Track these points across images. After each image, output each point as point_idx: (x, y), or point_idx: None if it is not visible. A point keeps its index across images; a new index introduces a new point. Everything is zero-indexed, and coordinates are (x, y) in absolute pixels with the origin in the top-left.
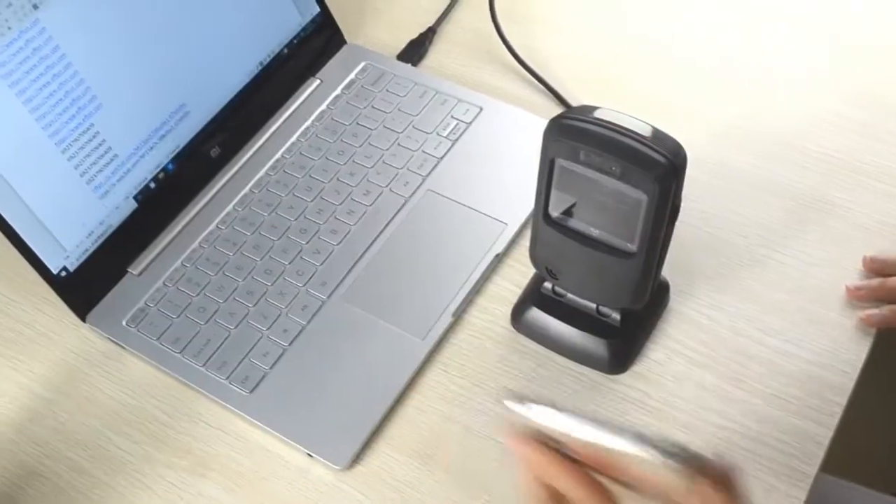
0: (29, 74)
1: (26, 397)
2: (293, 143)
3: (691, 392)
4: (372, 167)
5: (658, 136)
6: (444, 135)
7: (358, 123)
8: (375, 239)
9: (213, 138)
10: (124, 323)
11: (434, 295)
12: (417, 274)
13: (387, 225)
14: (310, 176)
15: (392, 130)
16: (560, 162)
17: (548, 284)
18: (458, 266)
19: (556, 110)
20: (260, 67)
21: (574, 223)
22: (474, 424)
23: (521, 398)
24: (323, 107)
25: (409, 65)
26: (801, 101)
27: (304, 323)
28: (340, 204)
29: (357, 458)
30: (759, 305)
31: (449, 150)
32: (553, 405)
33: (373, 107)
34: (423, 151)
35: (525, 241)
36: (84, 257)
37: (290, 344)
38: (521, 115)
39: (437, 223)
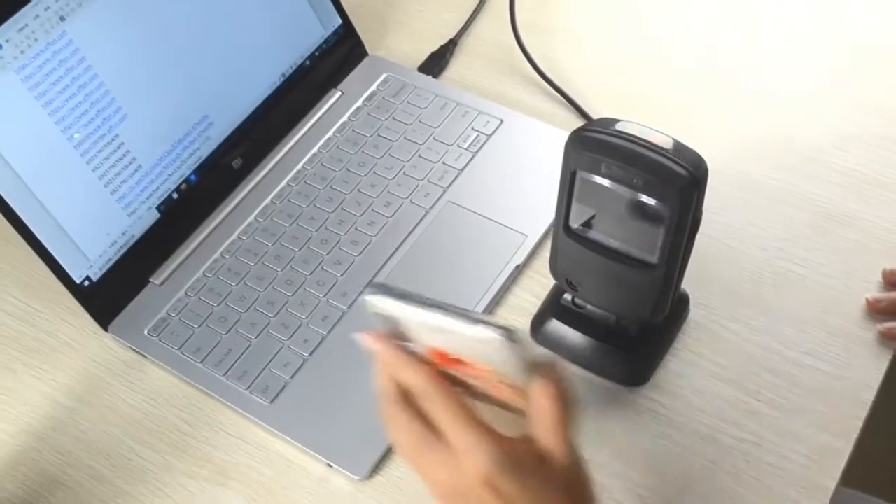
0: (55, 86)
1: (49, 406)
2: (314, 155)
3: (711, 404)
4: (393, 179)
5: (679, 148)
6: (465, 146)
7: (379, 135)
8: (396, 250)
9: (235, 149)
10: (146, 332)
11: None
12: (437, 285)
13: (407, 236)
14: (331, 187)
15: (413, 142)
16: (581, 174)
17: (567, 296)
18: (478, 277)
19: (577, 123)
20: (282, 79)
21: (594, 235)
22: None
23: (378, 289)
24: (344, 118)
25: (430, 77)
26: (822, 114)
27: (324, 333)
28: (361, 215)
29: (376, 468)
30: (779, 318)
31: (469, 161)
32: (402, 293)
33: (394, 118)
34: (444, 163)
35: (545, 253)
36: (107, 267)
37: (310, 354)
38: (542, 128)
39: (458, 234)
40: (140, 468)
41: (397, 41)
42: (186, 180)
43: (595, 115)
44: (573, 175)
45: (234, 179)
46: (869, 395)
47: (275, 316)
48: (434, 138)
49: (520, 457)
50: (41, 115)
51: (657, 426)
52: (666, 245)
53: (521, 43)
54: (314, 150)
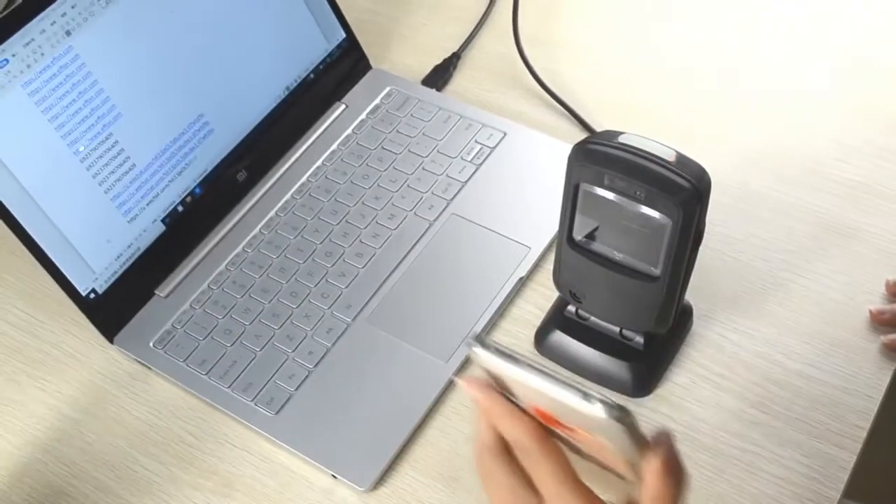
0: (61, 100)
1: (54, 418)
2: (319, 168)
3: (714, 415)
4: (397, 191)
5: (682, 160)
6: (469, 159)
7: (383, 148)
8: (400, 262)
9: (239, 162)
10: (151, 344)
11: (458, 318)
12: (441, 297)
13: (411, 248)
14: (335, 200)
15: (417, 155)
16: (584, 186)
17: (571, 308)
18: (482, 289)
19: (580, 135)
20: (287, 92)
21: (598, 247)
22: None
23: (484, 342)
24: (348, 131)
25: (434, 90)
26: (823, 126)
27: (329, 345)
28: (365, 227)
29: (381, 480)
30: (782, 329)
31: (473, 174)
32: (512, 354)
33: (398, 131)
34: (448, 176)
35: (548, 265)
36: (112, 279)
37: (315, 366)
38: (545, 140)
39: (461, 247)
40: (145, 480)
41: (401, 54)
42: (191, 193)
43: (598, 128)
44: (576, 187)
45: (238, 192)
46: (872, 407)
47: (279, 328)
48: (438, 151)
49: None
50: (47, 129)
51: None
52: (669, 257)
53: (524, 56)
54: (318, 162)
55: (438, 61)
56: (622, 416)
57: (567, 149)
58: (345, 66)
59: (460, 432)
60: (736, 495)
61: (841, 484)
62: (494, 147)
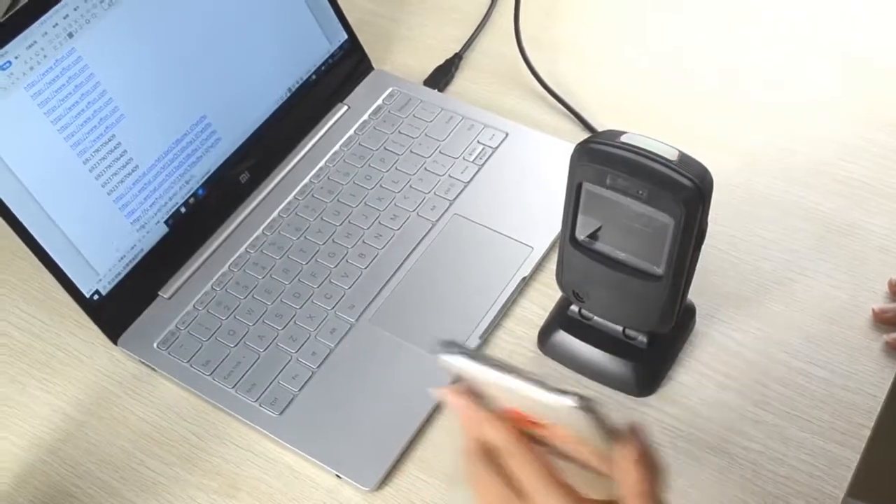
0: (64, 102)
1: (59, 419)
2: (321, 168)
3: (718, 414)
4: (399, 192)
5: (684, 160)
6: (471, 160)
7: (385, 148)
8: (403, 262)
9: (242, 163)
10: (155, 345)
11: (461, 318)
12: (444, 297)
13: (414, 249)
14: (338, 200)
15: (419, 155)
16: (587, 186)
17: (574, 307)
18: (485, 289)
19: (582, 135)
20: (289, 94)
21: (601, 247)
22: None
23: (451, 347)
24: (350, 132)
25: (436, 90)
26: (827, 127)
27: (332, 345)
28: (368, 228)
29: (385, 480)
30: (785, 329)
31: (475, 174)
32: (478, 356)
33: (400, 132)
34: (450, 176)
35: (551, 265)
36: (116, 281)
37: (318, 366)
38: (547, 140)
39: (464, 247)
40: (150, 480)
41: (403, 55)
42: (194, 194)
43: (600, 128)
44: (579, 187)
45: (241, 193)
46: (876, 405)
47: (283, 329)
48: (440, 151)
49: None
50: (50, 131)
51: (664, 436)
52: (672, 256)
53: (526, 56)
54: (321, 163)
55: (440, 62)
56: (588, 405)
57: (569, 149)
58: (347, 68)
59: None
60: (740, 494)
61: (845, 482)
62: (496, 147)
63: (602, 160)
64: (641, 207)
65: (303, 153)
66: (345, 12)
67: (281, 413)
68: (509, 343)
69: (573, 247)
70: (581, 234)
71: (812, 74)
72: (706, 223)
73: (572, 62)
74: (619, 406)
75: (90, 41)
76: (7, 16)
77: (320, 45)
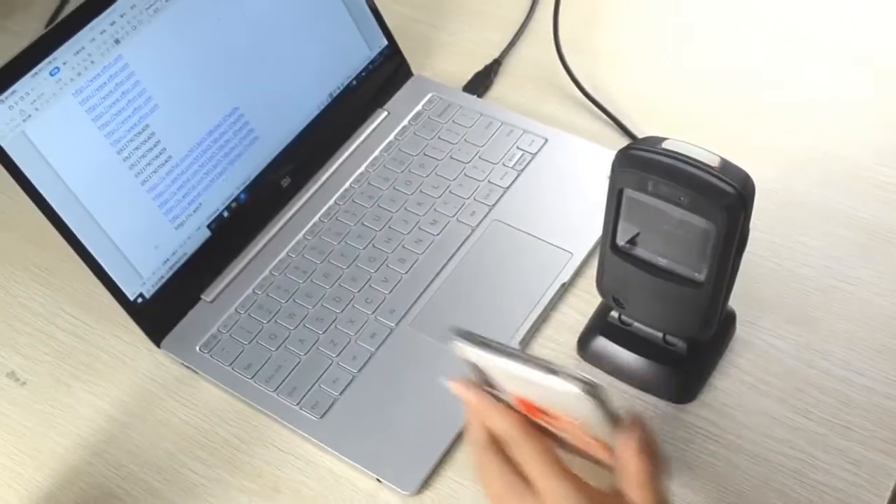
0: (111, 108)
1: (103, 420)
2: (362, 174)
3: (758, 422)
4: (439, 197)
5: (726, 166)
6: (510, 165)
7: (425, 154)
8: (443, 268)
9: (283, 168)
10: (197, 349)
11: (500, 323)
12: (484, 302)
13: (454, 254)
14: (378, 205)
15: (459, 161)
16: (628, 192)
17: (614, 313)
18: (525, 295)
19: (621, 142)
20: (330, 99)
21: (641, 252)
22: None
23: (463, 335)
24: (391, 137)
25: (475, 96)
26: (863, 131)
27: (372, 350)
28: (408, 233)
29: (425, 484)
30: (826, 336)
31: (515, 180)
32: (489, 343)
33: (439, 137)
34: (490, 181)
35: (591, 271)
36: (160, 284)
37: (359, 370)
38: (586, 146)
39: (504, 252)
40: (192, 482)
41: (442, 61)
42: (236, 199)
43: (640, 134)
44: (620, 193)
45: (283, 198)
46: None
47: (324, 332)
48: (479, 157)
49: None
50: (96, 136)
51: (705, 444)
52: (713, 263)
53: (565, 62)
54: (361, 169)
55: (479, 68)
56: (592, 390)
57: (608, 155)
58: (387, 73)
59: None
60: (782, 502)
61: (888, 491)
62: (536, 153)
63: (644, 166)
64: (683, 214)
65: (343, 158)
66: (385, 18)
67: (322, 416)
68: (549, 349)
69: (613, 253)
70: (621, 240)
71: (850, 79)
72: (748, 229)
73: (611, 68)
74: (659, 412)
75: (136, 48)
76: (55, 22)
77: (361, 51)
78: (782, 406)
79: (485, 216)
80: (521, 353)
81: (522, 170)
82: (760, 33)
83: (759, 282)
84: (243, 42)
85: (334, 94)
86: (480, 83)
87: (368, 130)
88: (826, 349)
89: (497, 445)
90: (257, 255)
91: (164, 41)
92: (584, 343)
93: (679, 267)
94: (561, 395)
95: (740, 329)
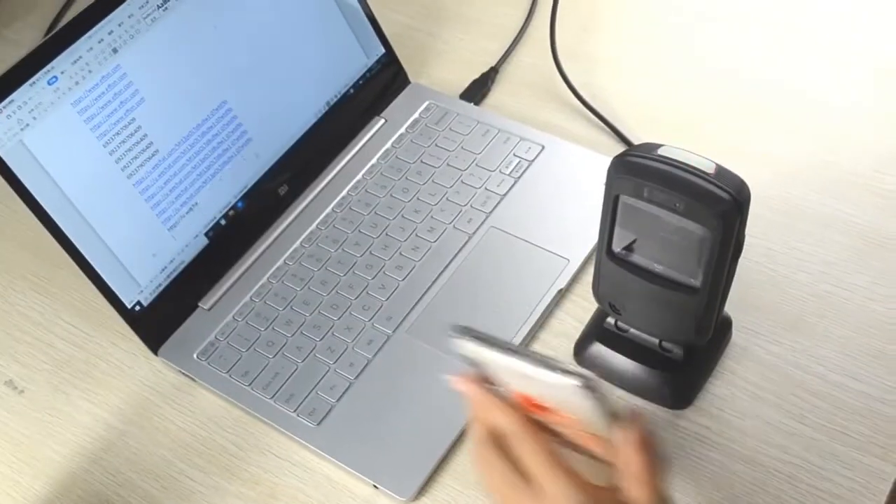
0: (110, 118)
1: (100, 428)
2: (359, 181)
3: (754, 427)
4: (436, 204)
5: (721, 172)
6: (507, 172)
7: (422, 161)
8: (440, 275)
9: (280, 177)
10: (195, 356)
11: (497, 330)
12: (481, 309)
13: (451, 261)
14: (375, 213)
15: (456, 168)
16: (624, 198)
17: (611, 320)
18: (521, 301)
19: (618, 148)
20: (327, 107)
21: (637, 259)
22: None
23: (462, 331)
24: (388, 145)
25: (472, 104)
26: (861, 137)
27: (369, 357)
28: (405, 240)
29: (422, 491)
30: (822, 341)
31: (512, 187)
32: (489, 339)
33: (436, 145)
34: (487, 189)
35: (587, 277)
36: (157, 292)
37: (356, 377)
38: (583, 153)
39: (500, 259)
40: (190, 490)
41: (439, 69)
42: (234, 207)
43: (636, 141)
44: (616, 199)
45: (280, 206)
46: None
47: (321, 340)
48: (476, 164)
49: None
50: (94, 145)
51: (701, 449)
52: (709, 269)
53: (562, 70)
54: (358, 176)
55: (476, 75)
56: (591, 385)
57: (605, 161)
58: (384, 81)
59: None
60: None
61: (883, 496)
62: (533, 160)
63: (639, 173)
64: (679, 220)
65: (340, 166)
66: (382, 26)
67: (319, 423)
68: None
69: (610, 259)
70: (618, 247)
71: (848, 85)
72: (743, 236)
73: (608, 75)
74: (656, 418)
75: (134, 56)
76: (53, 32)
77: (358, 59)
78: (778, 411)
79: (482, 223)
80: (520, 349)
81: (519, 177)
82: (759, 42)
83: (755, 288)
84: (241, 52)
85: (331, 103)
86: (477, 91)
87: (366, 138)
88: (822, 354)
89: (497, 440)
90: (255, 263)
91: (162, 50)
92: (580, 349)
93: (675, 273)
94: (560, 391)
95: (736, 335)
